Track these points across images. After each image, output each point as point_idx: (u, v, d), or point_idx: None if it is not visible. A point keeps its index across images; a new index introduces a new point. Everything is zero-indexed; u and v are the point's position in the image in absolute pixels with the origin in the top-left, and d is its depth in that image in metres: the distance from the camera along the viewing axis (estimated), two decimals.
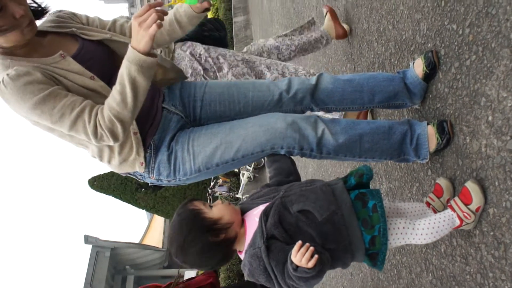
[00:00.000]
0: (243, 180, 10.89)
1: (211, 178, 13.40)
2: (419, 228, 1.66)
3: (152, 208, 20.01)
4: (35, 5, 1.84)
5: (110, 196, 19.76)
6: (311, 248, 1.36)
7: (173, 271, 34.86)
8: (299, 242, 1.39)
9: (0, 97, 1.69)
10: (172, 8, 2.05)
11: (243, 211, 1.70)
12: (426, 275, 2.20)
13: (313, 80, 2.11)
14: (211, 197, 13.25)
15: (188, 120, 2.05)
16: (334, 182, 1.68)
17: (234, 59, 2.88)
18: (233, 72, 2.83)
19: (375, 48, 2.80)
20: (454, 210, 1.73)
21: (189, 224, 1.56)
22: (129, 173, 2.00)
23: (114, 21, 2.09)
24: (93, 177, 19.82)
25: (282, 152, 1.86)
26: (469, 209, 1.70)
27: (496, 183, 1.65)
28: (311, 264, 1.35)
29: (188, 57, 2.86)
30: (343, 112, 2.75)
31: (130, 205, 20.20)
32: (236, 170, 12.20)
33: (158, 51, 2.68)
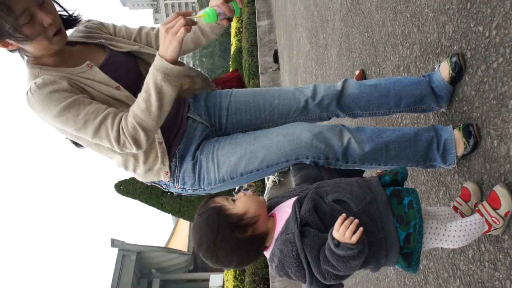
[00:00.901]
0: (268, 184, 10.88)
1: None
2: (451, 230, 1.62)
3: (177, 212, 20.11)
4: (66, 14, 1.88)
5: (136, 200, 19.92)
6: (356, 220, 1.32)
7: (199, 275, 35.01)
8: (343, 215, 1.34)
9: (27, 104, 1.73)
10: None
11: (273, 206, 1.65)
12: (454, 281, 2.17)
13: (338, 86, 2.11)
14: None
15: (213, 129, 2.06)
16: (369, 178, 1.63)
17: None
18: None
19: (400, 51, 2.78)
20: (482, 215, 1.71)
21: (214, 223, 1.49)
22: (154, 182, 2.01)
23: (140, 30, 2.12)
24: (119, 182, 20.01)
25: (307, 162, 1.85)
26: (497, 213, 1.68)
27: None
28: (355, 238, 1.30)
29: None
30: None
31: (155, 209, 20.33)
32: None
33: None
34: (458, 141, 1.93)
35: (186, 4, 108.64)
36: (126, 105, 1.83)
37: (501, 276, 1.79)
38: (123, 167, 1.94)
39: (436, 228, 1.61)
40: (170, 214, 21.19)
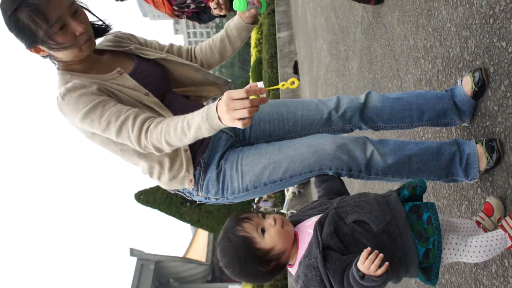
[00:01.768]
0: (288, 195, 10.88)
1: None
2: (472, 245, 1.62)
3: (197, 223, 20.16)
4: (99, 22, 1.95)
5: (156, 210, 20.00)
6: (381, 255, 1.32)
7: (217, 286, 34.97)
8: (368, 248, 1.35)
9: (57, 109, 1.78)
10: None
11: (295, 224, 1.67)
12: None
13: (361, 98, 2.12)
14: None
15: (237, 139, 2.08)
16: (387, 194, 1.64)
17: None
18: None
19: (422, 65, 2.79)
20: (505, 230, 1.70)
21: (241, 254, 1.52)
22: (177, 190, 2.04)
23: (172, 45, 2.19)
24: (139, 191, 20.14)
25: (330, 173, 1.87)
26: None
27: None
28: (380, 271, 1.31)
29: None
30: None
31: (174, 219, 20.39)
32: None
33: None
34: (481, 155, 1.93)
35: None
36: (154, 111, 1.87)
37: None
38: (148, 174, 1.97)
39: (456, 244, 1.61)
40: (189, 224, 21.25)
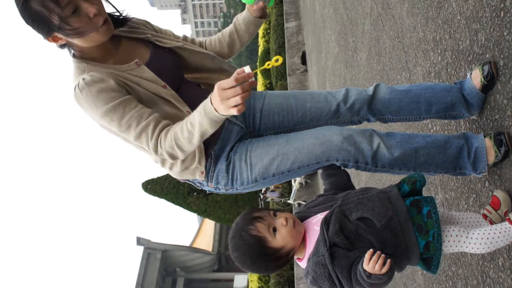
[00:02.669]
0: (295, 186, 10.89)
1: None
2: (473, 237, 1.65)
3: (203, 212, 20.24)
4: (117, 14, 1.96)
5: (163, 200, 20.09)
6: (383, 255, 1.41)
7: (223, 275, 35.15)
8: (370, 250, 1.43)
9: (74, 100, 1.79)
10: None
11: (301, 220, 1.73)
12: None
13: (370, 90, 2.13)
14: (262, 202, 13.34)
15: (247, 130, 2.10)
16: (388, 189, 1.71)
17: None
18: None
19: (431, 57, 2.78)
20: None
21: (254, 252, 1.59)
22: (188, 180, 2.06)
23: (185, 36, 2.21)
24: (146, 181, 20.22)
25: (338, 164, 1.89)
26: None
27: None
28: (384, 270, 1.39)
29: None
30: None
31: (181, 209, 20.48)
32: None
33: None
34: (489, 149, 1.93)
35: (214, 4, 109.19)
36: (171, 104, 1.90)
37: None
38: (160, 163, 1.99)
39: (456, 236, 1.66)
40: (195, 214, 21.34)
